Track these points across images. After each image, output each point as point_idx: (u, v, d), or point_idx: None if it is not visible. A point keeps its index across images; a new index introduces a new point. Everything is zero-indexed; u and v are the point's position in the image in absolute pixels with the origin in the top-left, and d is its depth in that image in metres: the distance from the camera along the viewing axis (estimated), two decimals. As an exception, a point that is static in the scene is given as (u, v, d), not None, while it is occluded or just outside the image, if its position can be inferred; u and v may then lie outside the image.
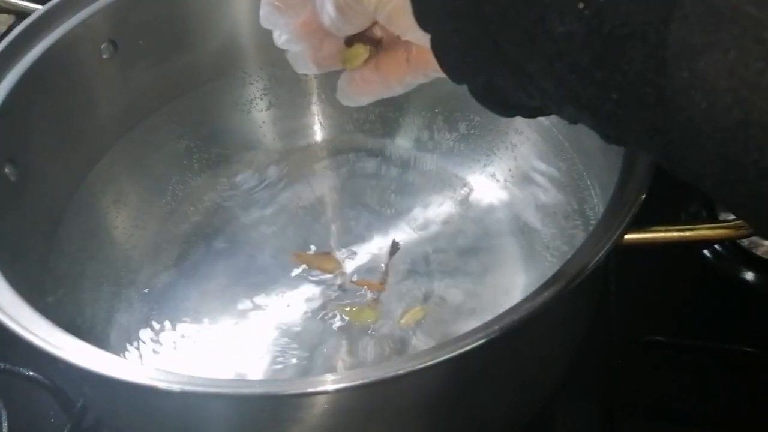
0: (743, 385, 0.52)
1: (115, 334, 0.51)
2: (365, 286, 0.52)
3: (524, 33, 0.28)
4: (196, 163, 0.61)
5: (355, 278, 0.53)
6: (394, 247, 0.55)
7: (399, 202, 0.58)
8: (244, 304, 0.53)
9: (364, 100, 0.40)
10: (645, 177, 0.41)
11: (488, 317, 0.36)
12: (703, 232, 0.42)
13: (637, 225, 0.40)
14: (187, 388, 0.35)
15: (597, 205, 0.54)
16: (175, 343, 0.51)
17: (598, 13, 0.25)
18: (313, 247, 0.55)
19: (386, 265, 0.54)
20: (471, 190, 0.58)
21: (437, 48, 0.32)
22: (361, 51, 0.37)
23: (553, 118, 0.59)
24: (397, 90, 0.38)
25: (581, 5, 0.26)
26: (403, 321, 0.51)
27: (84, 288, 0.53)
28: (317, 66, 0.39)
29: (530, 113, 0.34)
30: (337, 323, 0.51)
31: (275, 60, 0.66)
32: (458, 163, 0.59)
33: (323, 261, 0.54)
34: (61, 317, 0.41)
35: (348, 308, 0.51)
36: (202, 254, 0.56)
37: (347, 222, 0.57)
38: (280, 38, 0.38)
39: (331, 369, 0.49)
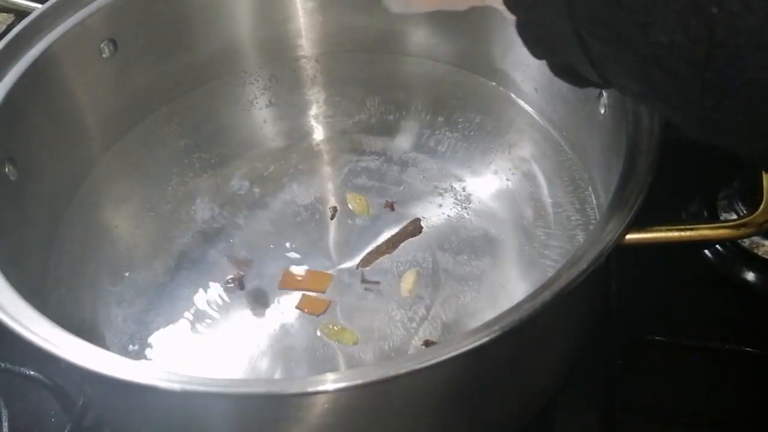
0: (743, 385, 0.52)
1: (116, 334, 0.51)
2: (305, 309, 0.52)
3: (617, 35, 0.27)
4: (196, 162, 0.61)
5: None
6: (415, 227, 0.55)
7: (400, 202, 0.57)
8: (245, 304, 0.53)
9: (420, 6, 0.40)
10: (645, 177, 0.41)
11: (489, 317, 0.36)
12: (703, 232, 0.42)
13: (638, 225, 0.40)
14: (188, 387, 0.35)
15: (597, 205, 0.54)
16: (175, 342, 0.51)
17: (708, 23, 0.25)
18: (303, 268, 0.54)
19: (392, 241, 0.54)
20: (471, 190, 0.58)
21: (521, 28, 0.33)
22: None
23: (554, 117, 0.59)
24: (459, 5, 0.39)
25: (694, 20, 0.25)
26: (405, 291, 0.52)
27: (84, 287, 0.53)
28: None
29: (607, 86, 0.34)
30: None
31: (275, 59, 0.67)
32: (459, 163, 0.59)
33: (314, 280, 0.53)
34: (61, 317, 0.42)
35: (330, 326, 0.51)
36: (202, 254, 0.56)
37: (347, 222, 0.57)
38: None
39: (332, 369, 0.49)
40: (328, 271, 0.54)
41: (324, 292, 0.53)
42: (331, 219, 0.56)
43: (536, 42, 0.34)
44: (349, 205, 0.57)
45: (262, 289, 0.53)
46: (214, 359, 0.50)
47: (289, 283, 0.53)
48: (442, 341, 0.49)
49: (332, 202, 0.58)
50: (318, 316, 0.51)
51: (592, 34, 0.29)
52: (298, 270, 0.54)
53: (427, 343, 0.49)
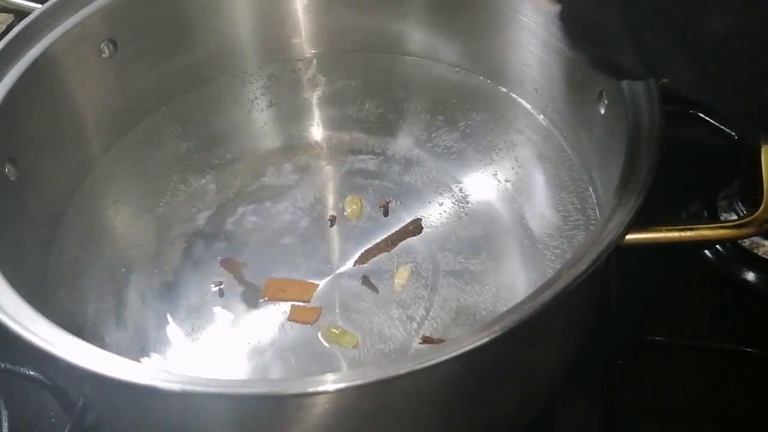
0: (743, 385, 0.52)
1: (116, 334, 0.51)
2: (297, 320, 0.51)
3: (673, 25, 0.28)
4: (196, 163, 0.61)
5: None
6: (416, 226, 0.55)
7: (400, 202, 0.58)
8: (245, 305, 0.53)
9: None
10: (646, 177, 0.41)
11: (489, 317, 0.36)
12: (703, 232, 0.42)
13: (638, 225, 0.40)
14: (188, 387, 0.35)
15: (598, 205, 0.54)
16: (175, 343, 0.51)
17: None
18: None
19: (392, 239, 0.55)
20: (471, 190, 0.58)
21: (564, 20, 0.34)
22: None
23: (554, 117, 0.59)
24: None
25: (760, 7, 0.25)
26: (398, 286, 0.52)
27: (84, 288, 0.53)
28: None
29: (651, 77, 0.35)
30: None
31: (275, 59, 0.66)
32: (459, 163, 0.59)
33: (298, 290, 0.53)
34: (61, 317, 0.42)
35: (332, 330, 0.51)
36: (201, 254, 0.56)
37: (348, 223, 0.57)
38: None
39: (332, 369, 0.49)
40: (326, 274, 0.54)
41: (309, 302, 0.52)
42: (331, 227, 0.56)
43: (579, 34, 0.34)
44: (345, 210, 0.57)
45: (257, 289, 0.53)
46: (214, 360, 0.50)
47: (272, 294, 0.53)
48: (441, 340, 0.49)
49: (330, 210, 0.58)
50: (312, 324, 0.51)
51: (646, 24, 0.29)
52: (281, 279, 0.53)
53: (426, 340, 0.49)
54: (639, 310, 0.54)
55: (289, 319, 0.51)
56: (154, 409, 0.41)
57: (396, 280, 0.53)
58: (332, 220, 0.56)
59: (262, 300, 0.53)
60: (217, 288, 0.53)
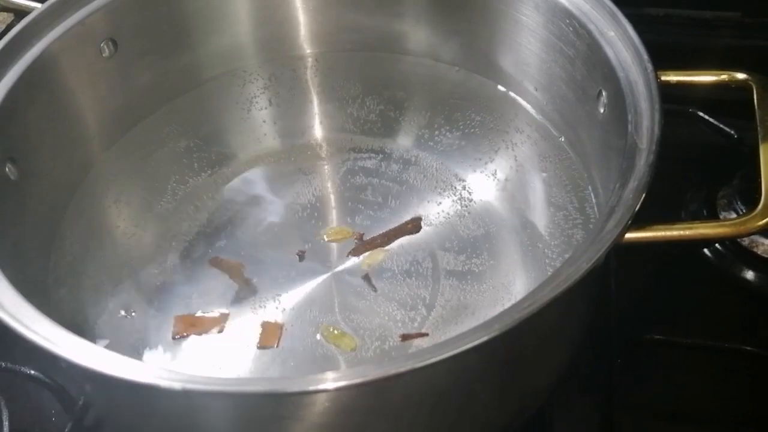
0: (743, 383, 0.52)
1: (116, 333, 0.51)
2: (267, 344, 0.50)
3: None
4: (196, 162, 0.61)
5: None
6: (414, 225, 0.55)
7: (399, 202, 0.58)
8: (244, 304, 0.53)
9: None
10: (645, 176, 0.41)
11: (489, 316, 0.36)
12: (703, 230, 0.42)
13: (638, 224, 0.40)
14: (189, 386, 0.35)
15: (597, 204, 0.54)
16: (175, 342, 0.51)
17: None
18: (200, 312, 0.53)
19: (388, 235, 0.55)
20: (471, 189, 0.58)
21: None
22: None
23: (553, 116, 0.59)
24: None
25: None
26: (364, 264, 0.53)
27: (85, 287, 0.53)
28: None
29: None
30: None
31: (275, 58, 0.67)
32: (459, 162, 0.60)
33: (207, 323, 0.52)
34: (62, 316, 0.42)
35: (331, 329, 0.51)
36: (202, 253, 0.56)
37: (347, 221, 0.57)
38: None
39: (332, 368, 0.49)
40: (324, 272, 0.54)
41: (222, 332, 0.51)
42: (300, 261, 0.55)
43: None
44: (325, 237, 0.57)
45: (256, 288, 0.53)
46: (214, 358, 0.50)
47: (183, 330, 0.51)
48: (422, 334, 0.50)
49: (333, 201, 0.58)
50: (283, 329, 0.51)
51: None
52: (188, 316, 0.52)
53: (405, 338, 0.50)
54: (638, 309, 0.54)
55: (279, 347, 0.50)
56: (155, 407, 0.41)
57: (366, 260, 0.53)
58: (302, 255, 0.55)
59: (174, 338, 0.51)
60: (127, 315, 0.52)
